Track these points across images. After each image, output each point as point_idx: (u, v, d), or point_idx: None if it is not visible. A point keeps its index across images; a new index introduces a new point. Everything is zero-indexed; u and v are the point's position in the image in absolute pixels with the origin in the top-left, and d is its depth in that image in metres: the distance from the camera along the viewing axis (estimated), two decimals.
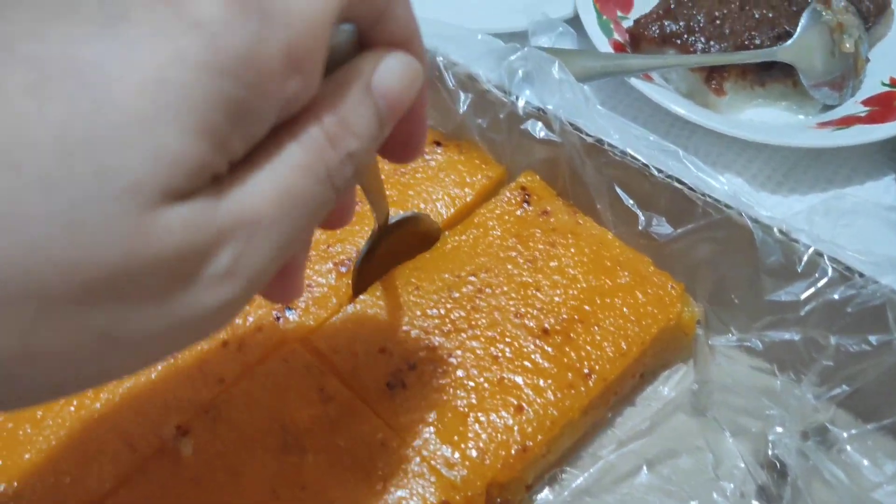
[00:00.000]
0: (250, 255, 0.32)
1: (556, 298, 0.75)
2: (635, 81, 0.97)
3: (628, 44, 1.06)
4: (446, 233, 0.81)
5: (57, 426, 0.68)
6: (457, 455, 0.66)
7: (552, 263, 0.77)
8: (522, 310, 0.74)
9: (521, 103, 0.83)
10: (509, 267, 0.77)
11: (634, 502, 0.71)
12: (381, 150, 0.45)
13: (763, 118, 1.01)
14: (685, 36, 1.01)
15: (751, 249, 0.73)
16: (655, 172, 0.76)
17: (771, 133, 0.94)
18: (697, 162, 0.77)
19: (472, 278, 0.77)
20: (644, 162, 0.77)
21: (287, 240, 0.34)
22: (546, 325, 0.73)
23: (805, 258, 0.70)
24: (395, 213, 0.75)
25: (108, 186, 0.27)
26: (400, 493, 0.64)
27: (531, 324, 0.73)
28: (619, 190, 0.80)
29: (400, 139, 0.45)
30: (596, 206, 0.82)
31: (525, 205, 0.82)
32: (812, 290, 0.70)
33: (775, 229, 0.71)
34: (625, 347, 0.72)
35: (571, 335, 0.73)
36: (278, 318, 0.74)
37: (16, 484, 0.65)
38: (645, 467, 0.73)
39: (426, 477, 0.65)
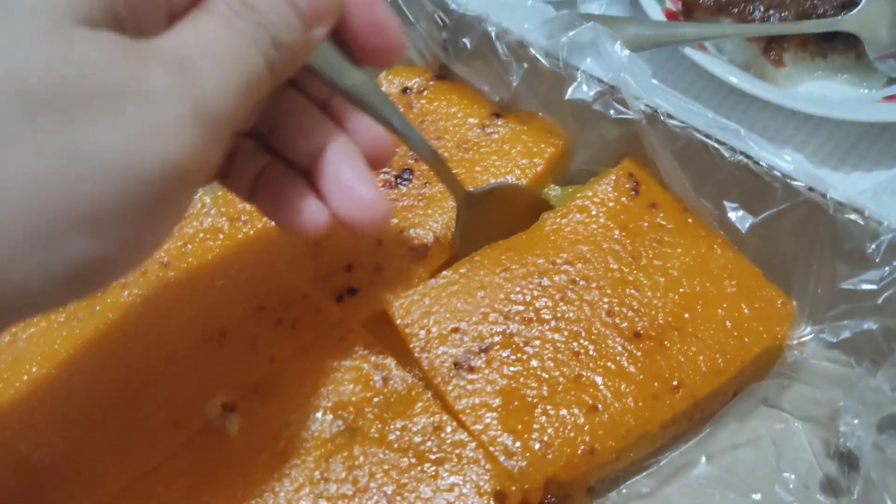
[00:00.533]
0: (190, 83, 0.36)
1: (655, 301, 0.71)
2: (689, 51, 0.94)
3: (681, 12, 1.02)
4: (546, 214, 0.77)
5: (100, 401, 0.66)
6: (518, 444, 0.63)
7: (656, 262, 0.73)
8: (616, 308, 0.70)
9: (578, 76, 0.78)
10: (609, 260, 0.73)
11: (694, 495, 0.68)
12: (359, 56, 0.51)
13: (823, 91, 0.97)
14: (742, 4, 0.97)
15: (827, 233, 0.69)
16: (723, 150, 0.72)
17: (834, 107, 0.91)
18: (760, 140, 0.72)
19: (568, 267, 0.73)
20: (707, 135, 0.72)
21: (224, 86, 0.37)
22: (639, 329, 0.69)
23: (885, 244, 0.66)
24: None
25: (16, 7, 0.31)
26: (453, 479, 0.62)
27: (623, 324, 0.69)
28: (686, 181, 0.76)
29: (370, 44, 0.50)
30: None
31: (633, 193, 0.77)
32: (892, 276, 0.67)
33: (854, 210, 0.68)
34: (721, 364, 0.68)
35: (665, 343, 0.68)
36: (339, 299, 0.72)
37: (53, 454, 0.64)
38: (704, 458, 0.70)
39: (481, 464, 0.62)
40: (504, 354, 0.68)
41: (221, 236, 0.76)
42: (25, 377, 0.68)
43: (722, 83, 0.93)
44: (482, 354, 0.68)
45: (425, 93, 0.88)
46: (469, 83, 0.88)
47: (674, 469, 0.70)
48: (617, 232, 0.75)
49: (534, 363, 0.67)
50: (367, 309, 0.72)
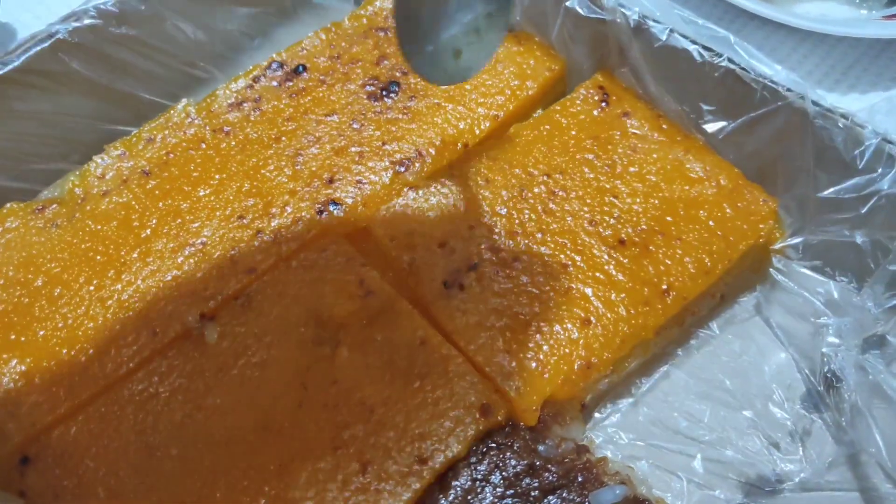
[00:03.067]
0: None
1: (636, 207, 0.72)
2: None
3: None
4: (516, 126, 0.79)
5: (74, 305, 0.68)
6: (514, 364, 0.64)
7: (632, 169, 0.75)
8: (598, 217, 0.72)
9: None
10: (586, 170, 0.75)
11: (684, 409, 0.70)
12: None
13: (821, 11, 0.98)
14: None
15: (810, 140, 0.70)
16: (706, 55, 0.73)
17: (832, 24, 0.91)
18: (749, 48, 0.74)
19: (546, 178, 0.74)
20: (693, 41, 0.74)
21: None
22: (623, 236, 0.71)
23: (871, 149, 0.67)
24: None
25: None
26: (438, 392, 0.63)
27: (607, 233, 0.71)
28: (664, 82, 0.77)
29: None
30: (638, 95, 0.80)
31: (603, 104, 0.79)
32: (876, 185, 0.68)
33: (838, 115, 0.69)
34: (708, 264, 0.70)
35: (650, 248, 0.70)
36: (321, 213, 0.73)
37: (29, 360, 0.65)
38: (693, 373, 0.72)
39: (467, 378, 0.63)
40: (493, 271, 0.69)
41: (204, 145, 0.77)
42: (1, 281, 0.70)
43: (718, 0, 0.94)
44: (471, 272, 0.69)
45: None
46: None
47: (662, 382, 0.72)
48: (589, 142, 0.77)
49: (523, 279, 0.68)
50: (348, 223, 0.73)
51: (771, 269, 0.74)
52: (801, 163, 0.72)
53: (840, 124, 0.68)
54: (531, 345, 0.65)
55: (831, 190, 0.70)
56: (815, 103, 0.69)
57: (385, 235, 0.71)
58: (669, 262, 0.69)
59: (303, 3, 0.97)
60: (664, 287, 0.68)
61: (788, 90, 0.70)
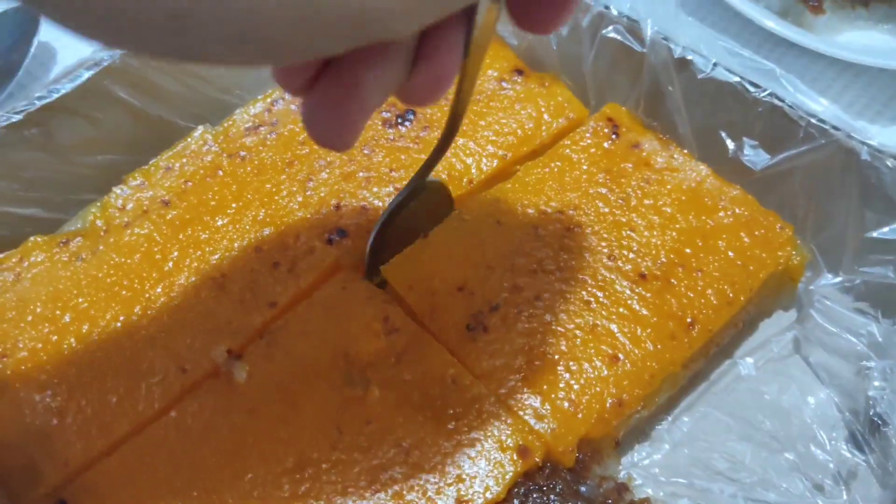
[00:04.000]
0: None
1: (654, 240, 0.74)
2: None
3: None
4: (520, 166, 0.80)
5: (103, 341, 0.69)
6: (547, 406, 0.65)
7: (647, 201, 0.76)
8: (616, 252, 0.73)
9: (605, 9, 0.81)
10: (600, 205, 0.76)
11: (724, 450, 0.70)
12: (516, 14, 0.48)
13: (863, 41, 0.99)
14: None
15: (856, 179, 0.71)
16: (751, 89, 0.75)
17: (875, 55, 0.92)
18: (796, 82, 0.75)
19: (560, 215, 0.75)
20: (739, 77, 0.75)
21: None
22: (643, 270, 0.72)
23: None
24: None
25: None
26: (474, 434, 0.64)
27: (626, 267, 0.72)
28: (706, 116, 0.78)
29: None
30: (678, 132, 0.81)
31: (613, 136, 0.80)
32: None
33: (888, 155, 0.70)
34: (731, 295, 0.71)
35: (672, 280, 0.71)
36: (330, 241, 0.74)
37: (60, 399, 0.66)
38: (731, 412, 0.72)
39: (502, 418, 0.64)
40: (516, 311, 0.70)
41: (221, 172, 0.79)
42: (30, 317, 0.70)
43: (757, 29, 0.95)
44: (494, 313, 0.70)
45: None
46: (499, 35, 0.90)
47: (702, 422, 0.72)
48: (601, 176, 0.78)
49: (547, 317, 0.69)
50: (358, 251, 0.74)
51: (810, 309, 0.75)
52: (842, 201, 0.73)
53: (889, 164, 0.70)
54: (562, 385, 0.66)
55: (878, 231, 0.71)
56: (863, 142, 0.70)
57: (402, 284, 0.72)
58: (692, 295, 0.71)
59: None
60: (689, 320, 0.69)
61: (835, 128, 0.71)
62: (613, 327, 0.69)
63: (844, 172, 0.72)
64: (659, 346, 0.68)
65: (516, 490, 0.62)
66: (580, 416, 0.65)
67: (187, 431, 0.64)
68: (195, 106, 0.88)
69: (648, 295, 0.70)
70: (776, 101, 0.73)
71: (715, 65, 0.76)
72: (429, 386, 0.66)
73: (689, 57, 0.77)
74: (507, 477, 0.62)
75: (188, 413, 0.65)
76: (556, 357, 0.67)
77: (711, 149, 0.79)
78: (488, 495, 0.61)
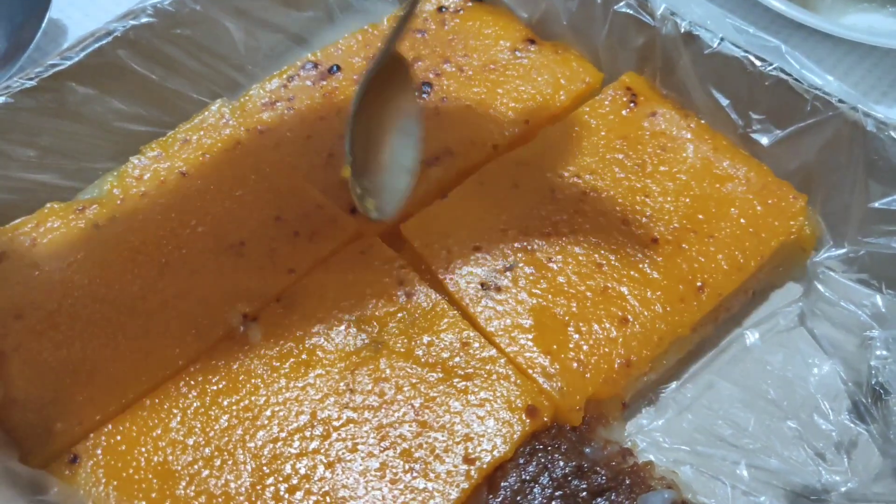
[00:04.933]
0: None
1: (667, 206, 0.76)
2: None
3: None
4: (545, 129, 0.82)
5: (119, 304, 0.71)
6: (556, 366, 0.67)
7: (662, 168, 0.78)
8: (630, 216, 0.75)
9: None
10: (616, 170, 0.78)
11: (729, 417, 0.72)
12: None
13: (868, 23, 1.01)
14: None
15: (861, 151, 0.73)
16: (757, 63, 0.77)
17: (880, 35, 0.94)
18: (801, 57, 0.77)
19: (576, 179, 0.77)
20: (745, 50, 0.77)
21: None
22: (656, 234, 0.74)
23: None
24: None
25: None
26: (483, 394, 0.66)
27: (639, 231, 0.74)
28: (714, 90, 0.80)
29: None
30: (692, 104, 0.83)
31: (631, 105, 0.83)
32: None
33: (892, 127, 0.71)
34: (741, 261, 0.73)
35: (683, 245, 0.74)
36: (353, 211, 0.76)
37: (76, 359, 0.68)
38: (735, 380, 0.74)
39: (511, 379, 0.66)
40: (529, 271, 0.72)
41: (239, 146, 0.81)
42: (45, 281, 0.72)
43: (764, 10, 0.97)
44: (507, 273, 0.72)
45: (461, 12, 0.92)
46: (509, 7, 0.92)
47: (707, 391, 0.74)
48: (618, 142, 0.80)
49: (560, 279, 0.71)
50: (381, 222, 0.75)
51: (815, 281, 0.76)
52: (848, 173, 0.75)
53: (894, 135, 0.71)
54: (571, 345, 0.68)
55: (881, 201, 0.73)
56: (867, 114, 0.72)
57: (420, 242, 0.74)
58: (703, 260, 0.73)
59: (348, 8, 1.01)
60: (699, 284, 0.72)
61: (840, 101, 0.73)
62: (624, 290, 0.71)
63: (850, 145, 0.74)
64: (668, 309, 0.70)
65: (522, 449, 0.64)
66: (588, 375, 0.67)
67: (202, 390, 0.66)
68: (208, 81, 0.91)
69: (660, 259, 0.73)
70: (782, 75, 0.75)
71: (721, 39, 0.78)
72: (441, 348, 0.68)
73: (696, 32, 0.79)
74: (515, 436, 0.64)
75: (203, 372, 0.67)
76: (567, 318, 0.69)
77: (720, 122, 0.81)
78: (495, 453, 0.63)
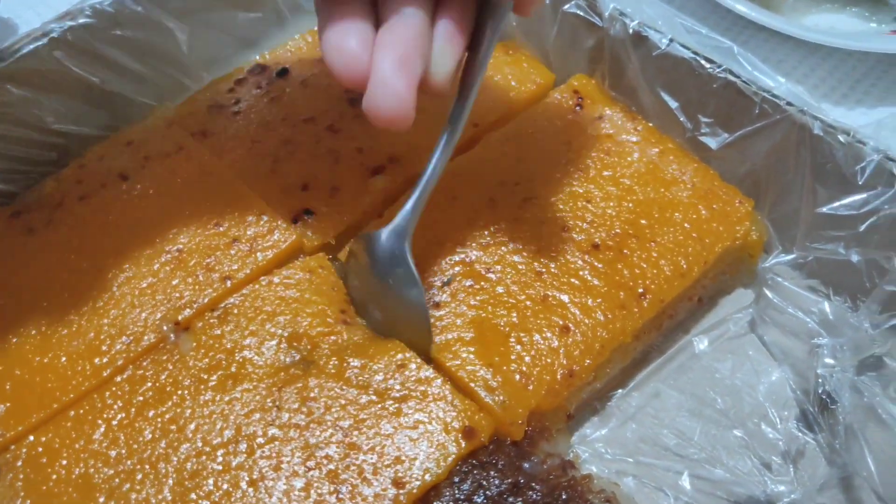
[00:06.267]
0: None
1: (609, 211, 0.76)
2: None
3: None
4: (489, 135, 0.82)
5: (48, 311, 0.71)
6: (498, 378, 0.67)
7: (606, 173, 0.78)
8: (571, 223, 0.75)
9: None
10: (558, 175, 0.78)
11: (674, 425, 0.73)
12: None
13: (830, 24, 1.02)
14: None
15: (810, 155, 0.73)
16: (706, 65, 0.77)
17: (841, 37, 0.95)
18: (753, 59, 0.77)
19: (517, 186, 0.77)
20: (694, 52, 0.77)
21: None
22: (596, 240, 0.74)
23: (871, 166, 0.70)
24: None
25: None
26: (418, 416, 0.65)
27: (580, 237, 0.74)
28: (662, 93, 0.80)
29: None
30: (641, 107, 0.83)
31: (577, 108, 0.83)
32: (875, 203, 0.70)
33: (839, 131, 0.71)
34: (684, 266, 0.73)
35: (625, 251, 0.73)
36: (296, 221, 0.76)
37: (0, 367, 0.68)
38: (681, 388, 0.75)
39: (448, 400, 0.65)
40: (467, 284, 0.72)
41: (182, 150, 0.81)
42: None
43: (726, 12, 0.98)
44: (446, 288, 0.72)
45: None
46: None
47: (653, 400, 0.74)
48: (563, 147, 0.80)
49: (499, 289, 0.71)
50: (324, 232, 0.76)
51: (764, 287, 0.77)
52: (797, 178, 0.75)
53: (841, 139, 0.71)
54: (513, 357, 0.68)
55: (829, 206, 0.73)
56: (815, 117, 0.72)
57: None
58: (645, 266, 0.73)
59: (298, 9, 1.00)
60: (640, 290, 0.72)
61: (789, 104, 0.73)
62: (564, 298, 0.71)
63: (798, 148, 0.74)
64: (609, 316, 0.70)
65: (457, 466, 0.63)
66: (531, 387, 0.66)
67: (127, 401, 0.66)
68: (152, 84, 0.90)
69: (600, 265, 0.72)
70: (730, 77, 0.76)
71: (671, 41, 0.78)
72: (375, 371, 0.67)
73: (645, 33, 0.79)
74: (450, 459, 0.63)
75: (130, 382, 0.67)
76: (507, 329, 0.69)
77: (669, 125, 0.81)
78: (427, 477, 0.62)
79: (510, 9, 0.59)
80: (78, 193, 0.78)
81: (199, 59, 0.94)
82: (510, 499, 0.63)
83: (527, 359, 0.68)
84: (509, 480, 0.63)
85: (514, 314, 0.70)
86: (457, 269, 0.73)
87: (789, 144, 0.75)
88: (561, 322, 0.70)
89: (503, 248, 0.74)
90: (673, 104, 0.80)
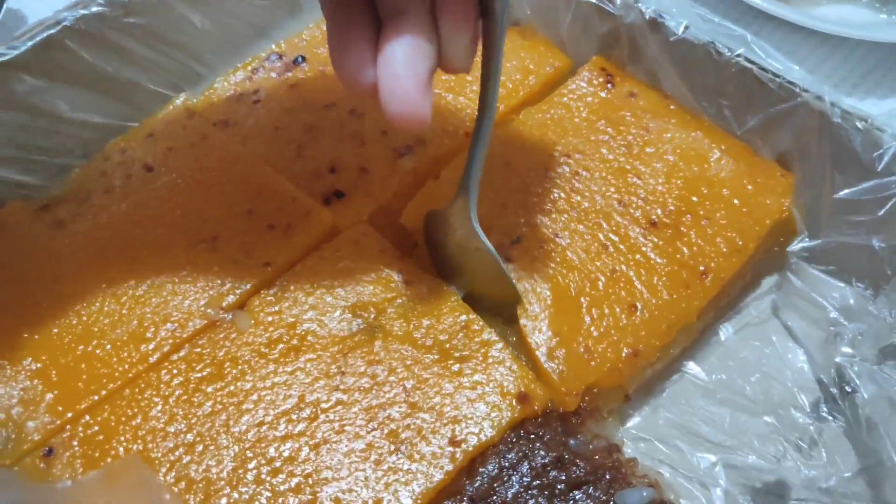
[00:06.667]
0: None
1: (659, 188, 0.81)
2: None
3: None
4: (515, 116, 0.88)
5: (88, 302, 0.75)
6: (562, 350, 0.72)
7: (648, 150, 0.84)
8: (626, 198, 0.80)
9: None
10: (604, 151, 0.83)
11: (705, 413, 0.77)
12: None
13: (840, 14, 1.08)
14: None
15: (827, 140, 0.78)
16: (723, 51, 0.82)
17: (851, 27, 1.02)
18: (767, 47, 0.82)
19: (566, 159, 0.82)
20: (709, 39, 0.83)
21: None
22: (653, 217, 0.79)
23: (890, 153, 0.75)
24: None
25: None
26: (477, 377, 0.70)
27: (637, 213, 0.79)
28: (680, 76, 0.86)
29: None
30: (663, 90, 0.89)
31: (609, 86, 0.89)
32: (895, 188, 0.75)
33: (857, 117, 0.77)
34: (740, 243, 0.78)
35: (682, 228, 0.78)
36: (327, 203, 0.82)
37: (44, 357, 0.72)
38: (716, 379, 0.79)
39: (506, 364, 0.71)
40: (538, 244, 0.76)
41: (206, 140, 0.87)
42: (9, 282, 0.77)
43: (737, 1, 1.04)
44: (516, 245, 0.76)
45: None
46: None
47: (681, 386, 0.79)
48: (602, 123, 0.86)
49: (569, 255, 0.76)
50: (356, 213, 0.82)
51: (788, 272, 0.83)
52: (816, 163, 0.80)
53: (859, 126, 0.77)
54: (582, 329, 0.72)
55: (847, 191, 0.78)
56: (833, 104, 0.78)
57: (414, 227, 0.79)
58: (702, 243, 0.77)
59: None
60: (702, 269, 0.76)
61: (805, 90, 0.79)
62: (631, 274, 0.75)
63: (818, 134, 0.79)
64: (675, 296, 0.75)
65: (504, 436, 0.69)
66: (593, 363, 0.71)
67: (185, 378, 0.71)
68: (166, 72, 0.96)
69: (661, 243, 0.77)
70: (746, 64, 0.82)
71: (686, 27, 0.84)
72: (439, 330, 0.73)
73: (661, 20, 0.85)
74: (504, 421, 0.69)
75: (186, 361, 0.72)
76: (580, 298, 0.74)
77: (690, 110, 0.88)
78: (482, 437, 0.68)
79: None
80: (104, 186, 0.84)
81: (212, 47, 1.00)
82: (553, 472, 0.68)
83: (595, 333, 0.72)
84: (554, 454, 0.69)
85: (587, 284, 0.75)
86: (524, 229, 0.78)
87: (806, 130, 0.80)
88: (629, 299, 0.74)
89: (565, 215, 0.79)
90: (693, 88, 0.87)
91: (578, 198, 0.80)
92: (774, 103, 0.81)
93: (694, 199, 0.80)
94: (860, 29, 1.02)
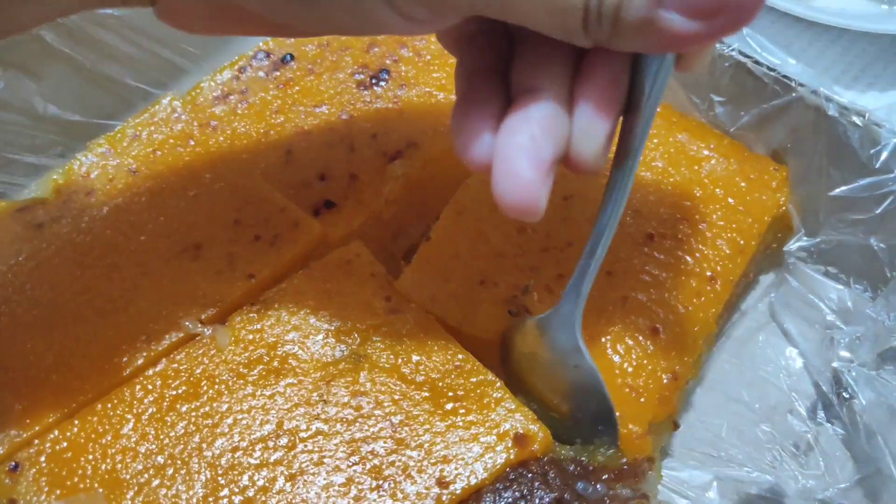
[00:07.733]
0: None
1: (650, 197, 0.77)
2: None
3: None
4: None
5: (62, 309, 0.73)
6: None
7: None
8: None
9: None
10: None
11: (703, 421, 0.76)
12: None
13: (839, 5, 1.05)
14: None
15: (824, 136, 0.76)
16: (719, 44, 0.79)
17: (851, 18, 0.98)
18: (762, 40, 0.80)
19: (555, 185, 0.74)
20: None
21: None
22: (649, 230, 0.75)
23: (888, 148, 0.73)
24: None
25: None
26: (472, 416, 0.66)
27: (631, 230, 0.75)
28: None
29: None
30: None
31: None
32: (892, 186, 0.73)
33: (854, 113, 0.74)
34: (741, 242, 0.75)
35: (679, 236, 0.75)
36: (316, 213, 0.79)
37: (16, 368, 0.70)
38: (712, 385, 0.78)
39: (505, 405, 0.66)
40: (546, 289, 0.73)
41: (192, 142, 0.84)
42: None
43: None
44: (527, 295, 0.73)
45: None
46: None
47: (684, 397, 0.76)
48: None
49: None
50: (346, 223, 0.79)
51: (785, 273, 0.80)
52: (812, 160, 0.78)
53: (857, 121, 0.74)
54: (615, 369, 0.69)
55: (844, 188, 0.76)
56: (829, 99, 0.75)
57: (423, 298, 0.74)
58: (704, 248, 0.74)
59: None
60: (709, 274, 0.73)
61: (801, 85, 0.77)
62: (642, 297, 0.72)
63: (813, 130, 0.77)
64: (690, 308, 0.71)
65: (504, 473, 0.64)
66: (643, 400, 0.67)
67: (159, 395, 0.68)
68: (147, 67, 0.93)
69: (662, 256, 0.74)
70: (741, 58, 0.79)
71: None
72: (429, 368, 0.69)
73: None
74: (498, 463, 0.64)
75: (162, 376, 0.69)
76: (602, 339, 0.70)
77: (682, 106, 0.85)
78: (472, 479, 0.63)
79: (672, 64, 0.54)
80: (85, 188, 0.80)
81: (196, 41, 0.96)
82: None
83: (629, 369, 0.69)
84: (554, 495, 0.64)
85: (603, 320, 0.71)
86: (529, 276, 0.74)
87: (802, 126, 0.78)
88: (648, 323, 0.71)
89: (563, 252, 0.75)
90: (685, 84, 0.84)
91: (572, 228, 0.77)
92: (769, 98, 0.79)
93: (687, 203, 0.78)
94: (860, 20, 0.99)
